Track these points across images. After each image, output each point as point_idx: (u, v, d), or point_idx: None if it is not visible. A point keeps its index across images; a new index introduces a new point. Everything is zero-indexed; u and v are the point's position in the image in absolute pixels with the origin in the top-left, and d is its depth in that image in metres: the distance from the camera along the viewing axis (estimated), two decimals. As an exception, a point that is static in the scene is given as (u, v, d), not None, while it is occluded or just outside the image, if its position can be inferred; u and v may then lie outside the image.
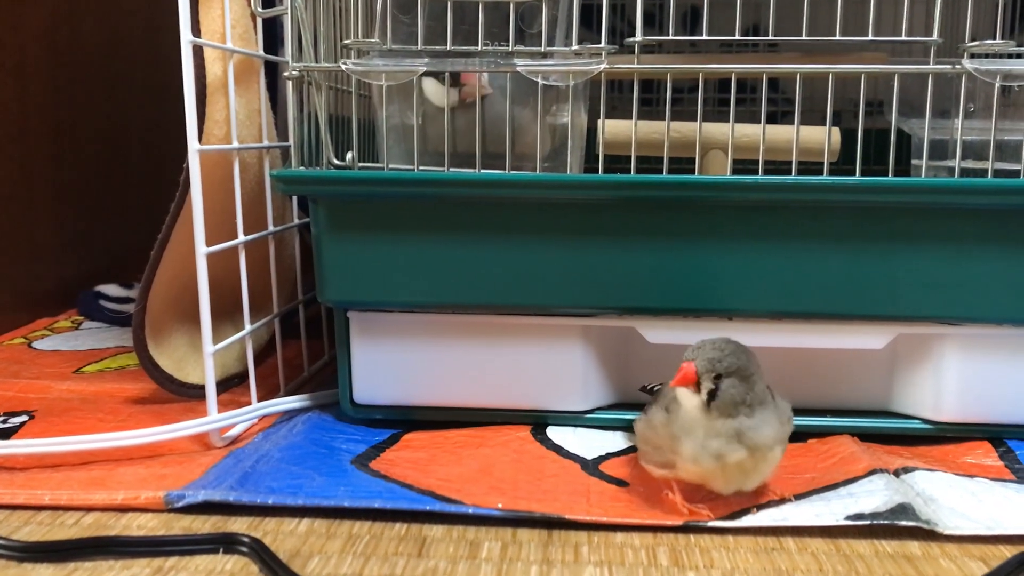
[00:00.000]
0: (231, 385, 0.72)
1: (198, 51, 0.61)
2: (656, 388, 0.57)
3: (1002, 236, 0.58)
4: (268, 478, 0.54)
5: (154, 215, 0.67)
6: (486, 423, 0.64)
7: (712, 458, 0.49)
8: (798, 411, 0.63)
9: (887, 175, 0.58)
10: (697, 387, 0.49)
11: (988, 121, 0.59)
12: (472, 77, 0.61)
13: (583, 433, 0.63)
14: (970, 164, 0.62)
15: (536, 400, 0.64)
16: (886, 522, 0.48)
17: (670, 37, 0.60)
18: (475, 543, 0.48)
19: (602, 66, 0.59)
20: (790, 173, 0.59)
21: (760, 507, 0.51)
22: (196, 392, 0.67)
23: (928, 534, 0.49)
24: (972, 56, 0.58)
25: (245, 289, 0.64)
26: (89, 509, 0.52)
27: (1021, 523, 0.49)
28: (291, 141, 0.63)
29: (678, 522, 0.49)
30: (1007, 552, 0.47)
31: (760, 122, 0.59)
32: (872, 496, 0.51)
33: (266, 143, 0.69)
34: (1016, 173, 0.58)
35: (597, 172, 0.60)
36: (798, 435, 0.62)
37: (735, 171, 0.61)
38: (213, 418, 0.60)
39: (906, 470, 0.55)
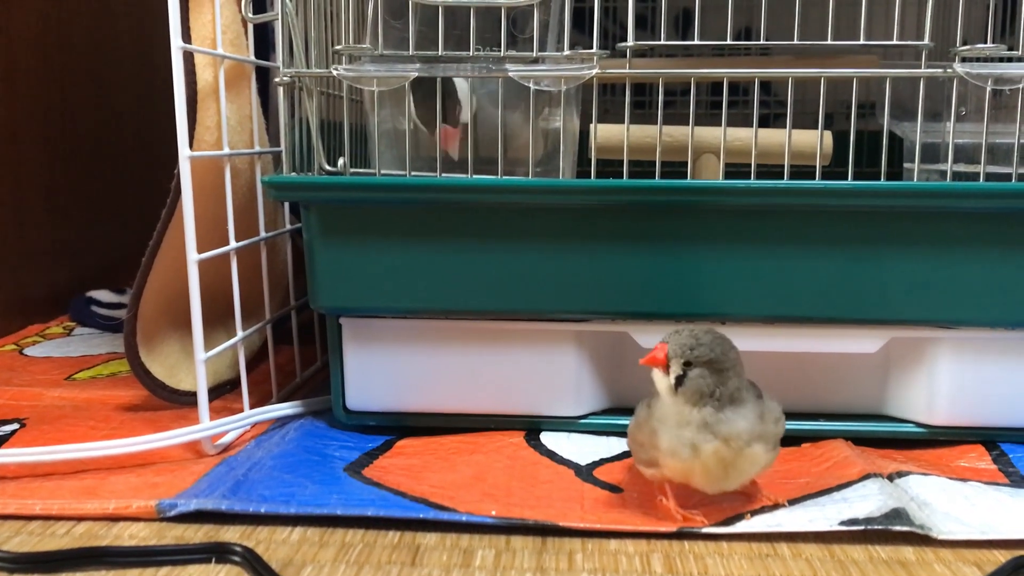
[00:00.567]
0: (223, 392, 0.72)
1: (189, 57, 0.60)
2: None
3: (994, 239, 0.58)
4: (261, 486, 0.54)
5: (146, 221, 0.67)
6: (479, 429, 0.64)
7: (688, 448, 0.49)
8: (792, 415, 0.63)
9: (879, 178, 0.58)
10: (666, 369, 0.50)
11: (980, 124, 0.59)
12: (452, 140, 0.61)
13: (577, 438, 0.63)
14: (962, 167, 0.62)
15: (529, 406, 0.63)
16: (880, 527, 0.48)
17: (662, 41, 0.60)
18: (469, 551, 0.48)
19: (594, 71, 0.59)
20: (783, 177, 0.59)
21: (754, 513, 0.51)
22: (188, 399, 0.67)
23: (922, 539, 0.49)
24: (963, 60, 0.58)
25: (237, 295, 0.64)
26: (80, 519, 0.51)
27: (1015, 527, 0.49)
28: (282, 147, 0.63)
29: (672, 528, 0.49)
30: (1001, 557, 0.47)
31: (752, 126, 0.59)
32: (866, 501, 0.51)
33: (257, 149, 0.68)
34: (1008, 177, 0.58)
35: (590, 177, 0.60)
36: (792, 439, 0.62)
37: (728, 175, 0.60)
38: (205, 425, 0.60)
39: (900, 474, 0.55)
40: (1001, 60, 0.59)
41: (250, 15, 0.64)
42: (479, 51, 0.60)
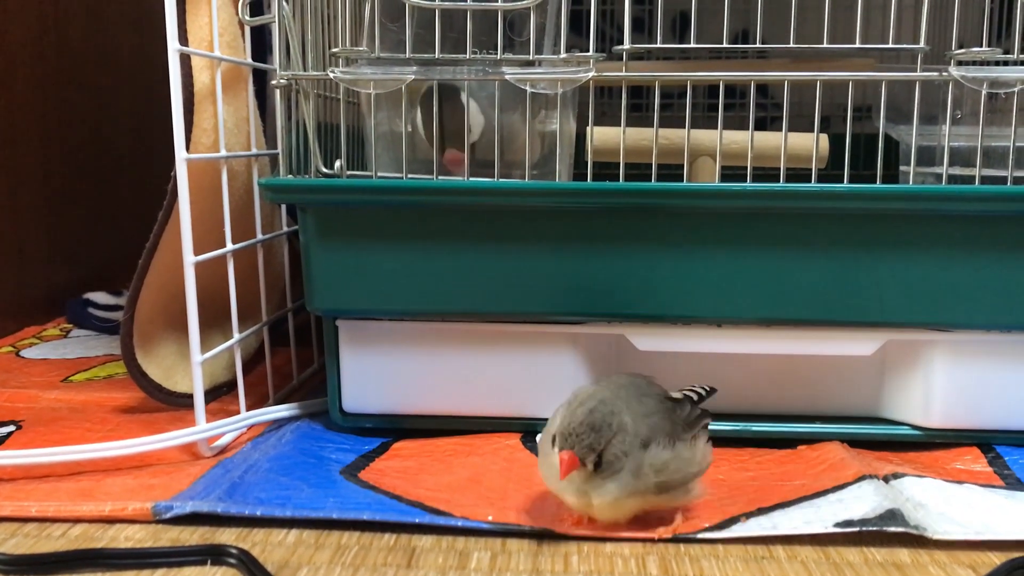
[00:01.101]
0: (220, 394, 0.72)
1: (186, 59, 0.60)
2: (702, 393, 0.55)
3: (990, 242, 0.58)
4: (256, 489, 0.54)
5: (143, 223, 0.67)
6: (476, 431, 0.64)
7: (574, 498, 0.48)
8: (787, 418, 0.63)
9: (875, 181, 0.58)
10: (584, 465, 0.47)
11: (975, 128, 0.59)
12: (459, 164, 0.61)
13: (573, 441, 0.63)
14: (957, 171, 0.62)
15: (526, 408, 0.63)
16: (875, 528, 0.48)
17: (659, 44, 0.60)
18: (464, 553, 0.48)
19: (590, 74, 0.59)
20: (778, 180, 0.59)
21: (749, 515, 0.51)
22: (184, 401, 0.67)
23: (918, 542, 0.49)
24: (959, 63, 0.58)
25: (233, 297, 0.64)
26: (76, 520, 0.51)
27: (1010, 528, 0.49)
28: (279, 149, 0.63)
29: (667, 535, 0.49)
30: (996, 559, 0.47)
31: (748, 129, 0.59)
32: (861, 502, 0.51)
33: (254, 151, 0.68)
34: (1003, 179, 0.58)
35: (586, 179, 0.60)
36: (788, 441, 0.62)
37: (724, 178, 0.61)
38: (201, 428, 0.60)
39: (896, 476, 0.55)
40: (997, 64, 0.59)
41: (247, 18, 0.64)
42: (476, 54, 0.60)
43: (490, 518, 0.50)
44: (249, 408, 0.66)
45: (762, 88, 0.95)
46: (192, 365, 0.59)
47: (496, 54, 0.59)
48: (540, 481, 0.55)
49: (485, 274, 0.60)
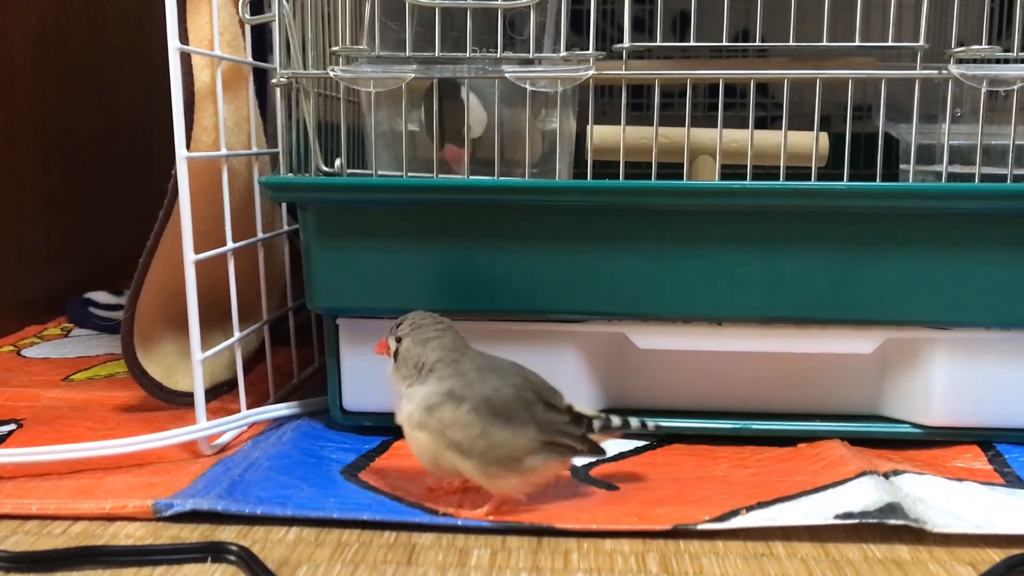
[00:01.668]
0: (220, 392, 0.72)
1: (186, 58, 0.60)
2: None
3: (990, 240, 0.58)
4: (257, 487, 0.54)
5: (143, 222, 0.67)
6: (476, 429, 0.64)
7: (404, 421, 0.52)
8: (787, 416, 0.63)
9: (875, 179, 0.58)
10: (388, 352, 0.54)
11: (975, 126, 0.59)
12: (459, 159, 0.62)
13: (573, 439, 0.63)
14: (957, 168, 0.62)
15: (526, 406, 0.63)
16: (875, 521, 0.49)
17: (659, 43, 0.60)
18: (464, 551, 0.48)
19: (590, 72, 0.59)
20: (778, 178, 0.59)
21: (749, 509, 0.51)
22: (185, 400, 0.67)
23: (917, 538, 0.49)
24: (959, 61, 0.58)
25: (234, 296, 0.64)
26: (77, 518, 0.51)
27: (1010, 524, 0.49)
28: (280, 148, 0.63)
29: (668, 527, 0.49)
30: (996, 556, 0.47)
31: (748, 127, 0.60)
32: (861, 496, 0.51)
33: (255, 150, 0.69)
34: (1003, 177, 0.59)
35: (586, 178, 0.60)
36: (788, 439, 0.62)
37: (724, 176, 0.61)
38: (202, 426, 0.60)
39: (896, 473, 0.56)
40: (996, 62, 0.59)
41: (247, 16, 0.64)
42: (476, 52, 0.60)
43: (491, 518, 0.50)
44: (250, 407, 0.66)
45: (762, 87, 0.95)
46: (193, 363, 0.60)
47: (496, 52, 0.60)
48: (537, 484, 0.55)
49: (485, 272, 0.60)
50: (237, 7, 0.65)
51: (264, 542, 0.49)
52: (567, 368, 0.63)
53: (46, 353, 0.88)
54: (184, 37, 0.60)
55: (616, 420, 0.54)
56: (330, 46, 0.64)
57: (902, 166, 0.68)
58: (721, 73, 0.60)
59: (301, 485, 0.55)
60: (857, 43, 0.59)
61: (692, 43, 0.62)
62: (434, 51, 0.59)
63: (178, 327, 0.70)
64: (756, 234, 0.59)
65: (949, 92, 0.58)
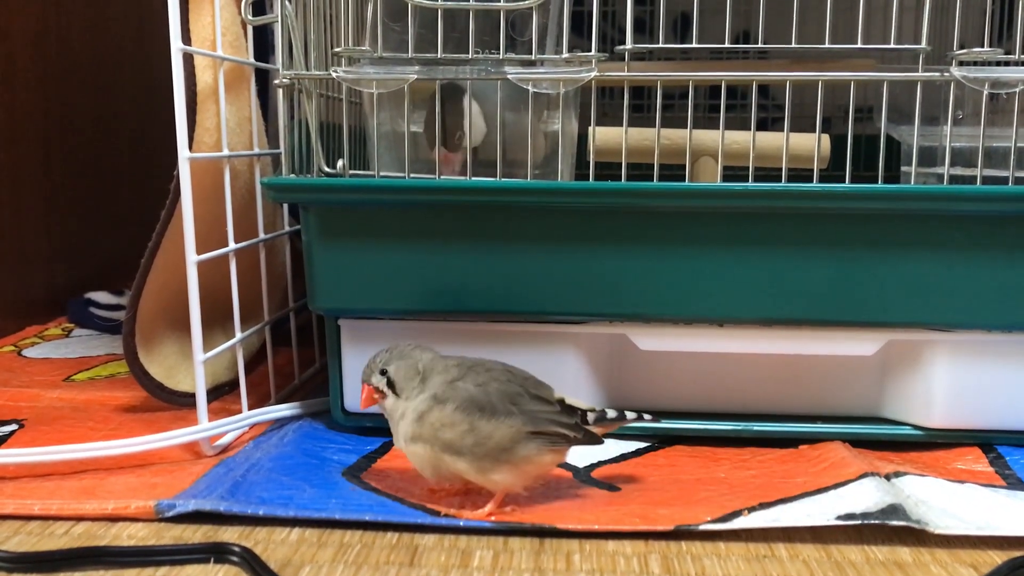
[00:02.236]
0: (221, 393, 0.72)
1: (188, 59, 0.60)
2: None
3: (991, 242, 0.58)
4: (259, 488, 0.54)
5: (144, 222, 0.67)
6: (478, 430, 0.64)
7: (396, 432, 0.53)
8: (789, 417, 0.63)
9: (877, 181, 0.58)
10: (382, 395, 0.54)
11: (977, 128, 0.59)
12: (449, 165, 0.62)
13: (575, 440, 0.63)
14: (959, 171, 0.62)
15: (528, 407, 0.63)
16: (877, 522, 0.49)
17: (660, 45, 0.60)
18: (467, 551, 0.48)
19: (592, 74, 0.59)
20: (780, 180, 0.59)
21: (751, 510, 0.51)
22: (186, 400, 0.67)
23: (919, 540, 0.49)
24: (960, 64, 0.58)
25: (236, 297, 0.64)
26: (79, 519, 0.51)
27: (1012, 526, 0.49)
28: (282, 148, 0.63)
29: (669, 527, 0.49)
30: (997, 558, 0.47)
31: (749, 129, 0.60)
32: (863, 497, 0.52)
33: (257, 150, 0.69)
34: (1004, 180, 0.59)
35: (588, 179, 0.60)
36: (789, 441, 0.62)
37: (725, 178, 0.61)
38: (204, 427, 0.60)
39: (897, 475, 0.56)
40: (998, 64, 0.59)
41: (250, 17, 0.64)
42: (478, 54, 0.60)
43: (492, 519, 0.50)
44: (251, 407, 0.66)
45: (762, 88, 0.95)
46: (195, 364, 0.60)
47: (499, 54, 0.60)
48: (533, 476, 0.55)
49: (487, 273, 0.60)
50: (239, 8, 0.65)
51: (267, 543, 0.49)
52: (568, 369, 0.63)
53: (47, 353, 0.88)
54: (187, 38, 0.60)
55: (612, 412, 0.54)
56: (332, 47, 0.64)
57: (903, 168, 0.68)
58: (724, 75, 0.60)
59: (303, 486, 0.55)
60: (859, 45, 0.59)
61: (695, 45, 0.62)
62: (436, 52, 0.59)
63: (179, 328, 0.70)
64: (758, 236, 0.59)
65: (951, 94, 0.58)
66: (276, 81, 0.62)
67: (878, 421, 0.64)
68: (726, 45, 0.60)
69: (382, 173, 0.63)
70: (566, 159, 0.62)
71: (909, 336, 0.61)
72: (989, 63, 0.58)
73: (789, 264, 0.59)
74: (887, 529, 0.49)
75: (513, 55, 0.60)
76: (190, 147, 0.59)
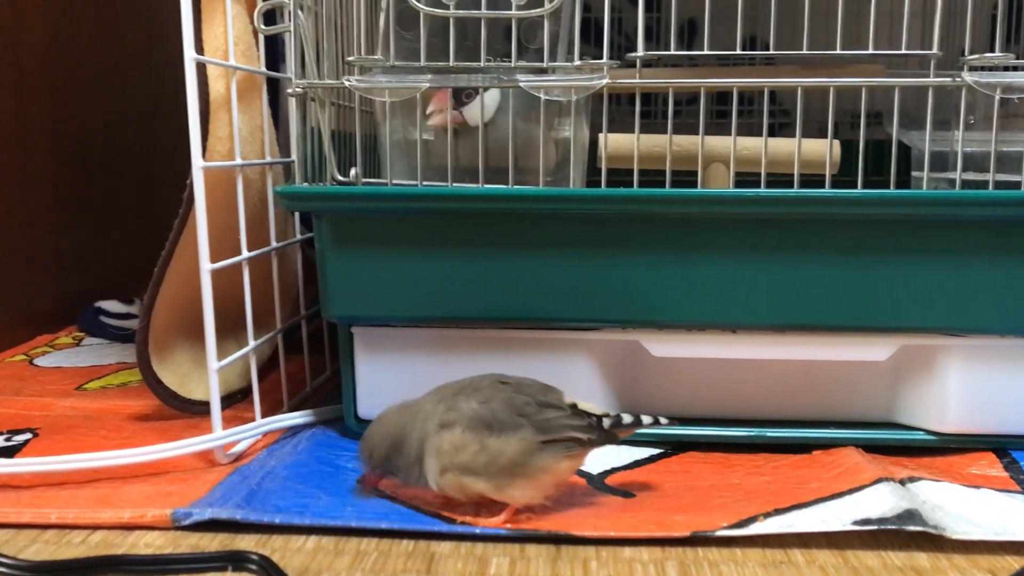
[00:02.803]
0: (234, 401, 0.72)
1: (201, 68, 0.61)
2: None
3: (1004, 247, 0.58)
4: (275, 496, 0.54)
5: (153, 231, 0.67)
6: (491, 437, 0.64)
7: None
8: (802, 423, 0.63)
9: (888, 187, 0.58)
10: (378, 477, 0.55)
11: (988, 133, 0.59)
12: (442, 102, 0.61)
13: (588, 447, 0.63)
14: (971, 176, 0.62)
15: (541, 414, 0.63)
16: (894, 527, 0.49)
17: (670, 51, 0.61)
18: (483, 559, 0.48)
19: (604, 81, 0.59)
20: (791, 186, 0.59)
21: (767, 515, 0.51)
22: (200, 408, 0.67)
23: (936, 545, 0.49)
24: (971, 69, 0.58)
25: (249, 305, 0.64)
26: (96, 527, 0.52)
27: (1028, 533, 0.49)
28: (295, 157, 0.63)
29: (685, 534, 0.49)
30: (1015, 564, 0.47)
31: (758, 135, 0.60)
32: (879, 502, 0.52)
33: (269, 159, 0.69)
34: (1017, 185, 0.59)
35: (599, 186, 0.60)
36: (803, 447, 0.62)
37: (737, 184, 0.61)
38: (218, 435, 0.60)
39: (912, 480, 0.56)
40: (1009, 69, 0.59)
41: (262, 26, 0.64)
42: (490, 61, 0.60)
43: (508, 526, 0.50)
44: (263, 415, 0.66)
45: (771, 94, 0.95)
46: (209, 372, 0.60)
47: (510, 62, 0.60)
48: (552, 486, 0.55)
49: (500, 280, 0.61)
50: (252, 17, 0.65)
51: (283, 551, 0.49)
52: (581, 376, 0.63)
53: (59, 362, 0.88)
54: (199, 47, 0.61)
55: (627, 417, 0.54)
56: (344, 56, 0.64)
57: (914, 173, 0.68)
58: (735, 82, 0.60)
59: (318, 494, 0.55)
60: (869, 51, 0.59)
61: (706, 51, 0.62)
62: (448, 60, 0.60)
63: (192, 336, 0.70)
64: (770, 242, 0.59)
65: (963, 99, 0.58)
66: (289, 90, 0.62)
67: (891, 426, 0.63)
68: (738, 51, 0.60)
69: (395, 181, 0.63)
70: (578, 166, 0.62)
71: (922, 341, 0.61)
72: (1000, 68, 0.58)
73: (801, 270, 0.59)
74: (903, 535, 0.49)
75: (524, 63, 0.61)
76: (203, 156, 0.59)
